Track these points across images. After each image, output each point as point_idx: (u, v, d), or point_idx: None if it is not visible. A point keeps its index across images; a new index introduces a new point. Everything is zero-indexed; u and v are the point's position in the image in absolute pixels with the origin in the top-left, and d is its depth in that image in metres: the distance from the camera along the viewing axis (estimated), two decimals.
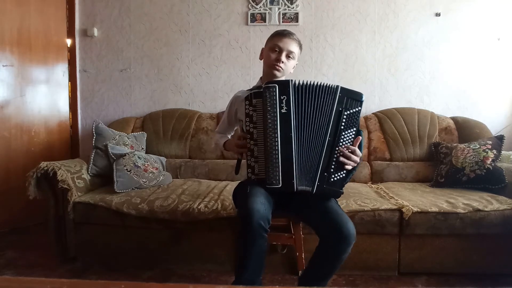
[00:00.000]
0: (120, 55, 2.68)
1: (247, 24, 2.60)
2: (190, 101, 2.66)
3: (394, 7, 2.53)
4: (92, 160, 2.03)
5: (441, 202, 1.71)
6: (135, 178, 1.96)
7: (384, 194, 1.87)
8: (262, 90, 1.24)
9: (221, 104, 2.61)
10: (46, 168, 1.78)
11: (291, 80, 1.24)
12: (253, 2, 2.57)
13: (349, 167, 1.24)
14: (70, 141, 2.70)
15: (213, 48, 2.63)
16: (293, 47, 1.42)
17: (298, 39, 1.45)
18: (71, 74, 2.68)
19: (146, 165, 2.05)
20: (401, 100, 2.55)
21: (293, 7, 2.56)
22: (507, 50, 2.48)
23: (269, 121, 1.24)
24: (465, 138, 2.23)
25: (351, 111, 1.23)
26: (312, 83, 1.24)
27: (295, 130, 1.24)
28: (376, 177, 2.27)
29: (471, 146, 2.01)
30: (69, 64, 2.67)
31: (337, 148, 1.23)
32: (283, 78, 1.46)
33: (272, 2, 2.56)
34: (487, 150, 1.95)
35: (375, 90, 2.57)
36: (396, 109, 2.43)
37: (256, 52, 2.54)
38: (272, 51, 1.42)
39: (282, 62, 1.40)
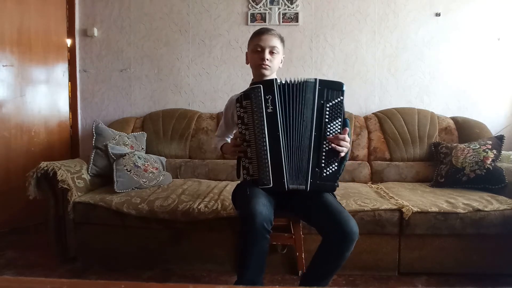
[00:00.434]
0: (120, 55, 2.68)
1: (247, 24, 2.60)
2: (190, 101, 2.66)
3: (394, 7, 2.53)
4: (92, 160, 2.03)
5: (441, 202, 1.71)
6: (135, 178, 1.96)
7: (384, 194, 1.87)
8: (249, 91, 1.25)
9: (221, 104, 2.61)
10: (46, 168, 1.78)
11: (276, 79, 1.25)
12: (253, 2, 2.57)
13: (342, 154, 1.24)
14: (70, 141, 2.70)
15: (213, 48, 2.63)
16: (274, 42, 1.41)
17: (278, 34, 1.45)
18: (71, 74, 2.68)
19: (146, 165, 2.05)
20: (401, 100, 2.55)
21: (293, 7, 2.56)
22: (507, 50, 2.48)
23: (257, 121, 1.24)
24: (465, 138, 2.23)
25: (333, 102, 1.23)
26: (293, 80, 1.24)
27: (282, 128, 1.24)
28: (376, 177, 2.27)
29: (471, 146, 2.01)
30: (69, 64, 2.67)
31: (324, 142, 1.23)
32: (273, 76, 1.46)
33: (272, 2, 2.56)
34: (487, 150, 1.95)
35: (375, 90, 2.57)
36: (396, 109, 2.43)
37: None
38: (255, 52, 1.43)
39: (267, 59, 1.40)
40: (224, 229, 1.70)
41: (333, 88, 1.24)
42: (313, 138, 1.24)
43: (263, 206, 1.17)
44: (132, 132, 2.42)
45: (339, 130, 1.25)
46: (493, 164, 1.90)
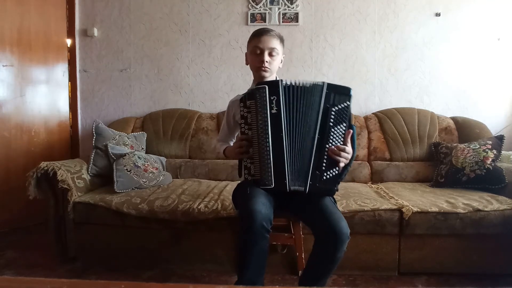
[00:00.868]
0: (120, 55, 2.68)
1: (247, 24, 2.60)
2: (190, 101, 2.66)
3: (394, 7, 2.53)
4: (92, 160, 2.03)
5: (441, 202, 1.71)
6: (135, 178, 1.96)
7: (384, 194, 1.87)
8: (253, 91, 1.25)
9: (221, 104, 2.61)
10: (46, 168, 1.78)
11: (281, 80, 1.24)
12: (253, 2, 2.57)
13: (342, 164, 1.23)
14: (70, 141, 2.70)
15: (213, 48, 2.63)
16: (274, 43, 1.39)
17: (277, 34, 1.42)
18: (71, 74, 2.68)
19: (146, 165, 2.05)
20: (401, 100, 2.55)
21: (293, 7, 2.56)
22: (507, 50, 2.48)
23: (260, 122, 1.24)
24: (465, 138, 2.23)
25: (339, 106, 1.22)
26: (300, 82, 1.24)
27: (286, 130, 1.24)
28: (376, 177, 2.27)
29: (471, 146, 2.01)
30: (69, 64, 2.67)
31: (327, 146, 1.23)
32: (273, 77, 1.45)
33: (272, 2, 2.56)
34: (487, 150, 1.95)
35: (375, 90, 2.57)
36: (396, 109, 2.43)
37: None
38: (254, 54, 1.41)
39: (267, 61, 1.39)
40: (224, 229, 1.70)
41: (340, 93, 1.23)
42: (316, 141, 1.23)
43: (262, 205, 1.17)
44: (132, 132, 2.42)
45: (343, 135, 1.23)
46: (493, 164, 1.90)
